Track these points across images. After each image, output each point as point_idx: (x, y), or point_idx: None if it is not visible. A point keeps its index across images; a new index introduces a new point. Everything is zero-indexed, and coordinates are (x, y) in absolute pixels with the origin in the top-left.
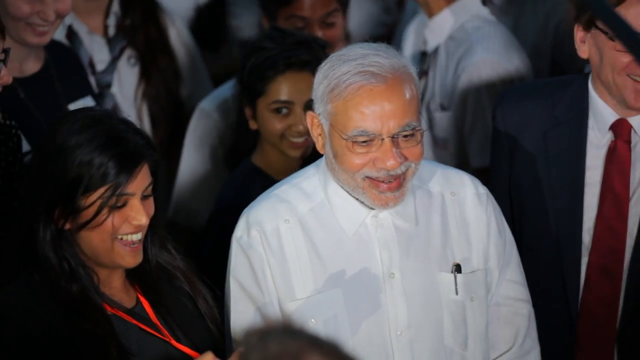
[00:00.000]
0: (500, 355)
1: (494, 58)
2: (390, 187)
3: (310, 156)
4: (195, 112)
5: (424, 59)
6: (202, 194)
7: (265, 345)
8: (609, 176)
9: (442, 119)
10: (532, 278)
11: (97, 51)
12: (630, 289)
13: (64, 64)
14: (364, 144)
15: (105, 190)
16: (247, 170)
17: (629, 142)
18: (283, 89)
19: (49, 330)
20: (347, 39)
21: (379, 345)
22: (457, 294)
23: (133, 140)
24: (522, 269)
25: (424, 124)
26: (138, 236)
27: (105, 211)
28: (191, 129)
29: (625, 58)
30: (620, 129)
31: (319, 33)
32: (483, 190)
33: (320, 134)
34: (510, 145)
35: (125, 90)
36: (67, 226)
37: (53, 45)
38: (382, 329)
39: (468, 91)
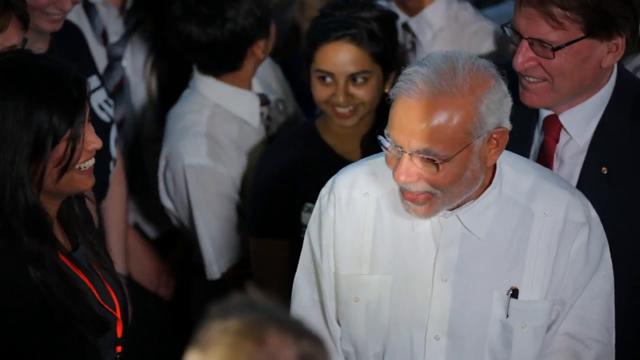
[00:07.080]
0: None
1: None
2: (412, 198)
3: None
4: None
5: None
6: None
7: (226, 319)
8: None
9: None
10: None
11: (112, 22)
12: None
13: (69, 43)
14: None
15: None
16: (307, 128)
17: (556, 140)
18: None
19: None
20: None
21: (412, 343)
22: (507, 317)
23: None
24: (610, 307)
25: None
26: (92, 161)
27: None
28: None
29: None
30: (549, 125)
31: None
32: (580, 218)
33: None
34: None
35: (137, 64)
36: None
37: None
38: (419, 328)
39: None
